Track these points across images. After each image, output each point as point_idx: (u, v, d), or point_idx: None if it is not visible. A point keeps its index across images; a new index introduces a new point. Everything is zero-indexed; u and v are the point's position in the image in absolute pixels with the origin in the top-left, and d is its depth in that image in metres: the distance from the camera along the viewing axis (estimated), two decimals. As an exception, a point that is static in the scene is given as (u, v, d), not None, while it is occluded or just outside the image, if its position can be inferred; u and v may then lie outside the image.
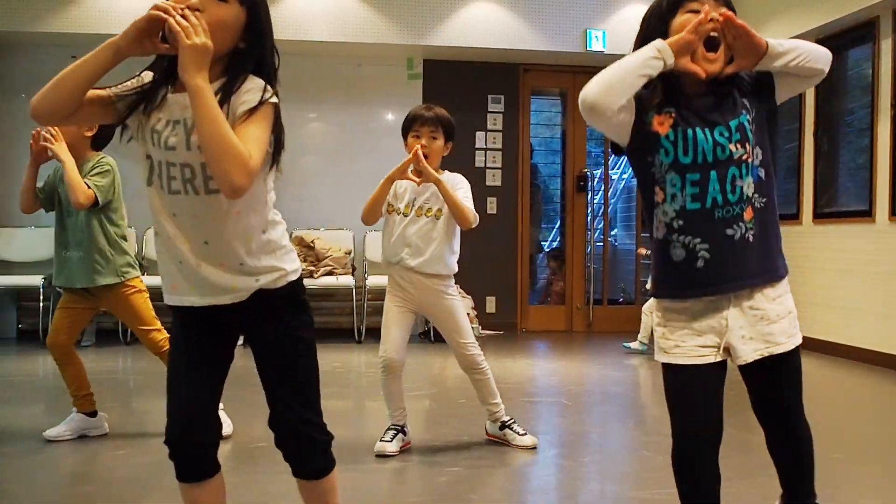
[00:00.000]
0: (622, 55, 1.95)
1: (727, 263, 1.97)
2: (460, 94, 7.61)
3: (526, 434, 3.67)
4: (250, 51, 1.84)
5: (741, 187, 1.96)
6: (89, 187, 3.52)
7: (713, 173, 1.95)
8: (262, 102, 1.77)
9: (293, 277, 1.95)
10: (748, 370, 2.03)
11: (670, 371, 2.03)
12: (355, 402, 5.06)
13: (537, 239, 8.90)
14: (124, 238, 3.75)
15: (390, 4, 7.27)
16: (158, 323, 3.73)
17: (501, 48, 7.46)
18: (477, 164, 7.84)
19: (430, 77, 7.84)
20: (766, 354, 1.98)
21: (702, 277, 1.98)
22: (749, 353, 1.97)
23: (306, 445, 1.98)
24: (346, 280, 7.19)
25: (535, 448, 3.62)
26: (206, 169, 1.76)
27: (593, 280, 8.31)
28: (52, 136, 3.46)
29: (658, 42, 1.93)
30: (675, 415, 2.02)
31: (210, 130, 1.67)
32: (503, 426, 3.69)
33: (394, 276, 3.59)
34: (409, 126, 3.54)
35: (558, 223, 9.02)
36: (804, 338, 2.09)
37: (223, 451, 2.12)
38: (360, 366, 6.10)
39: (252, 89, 1.78)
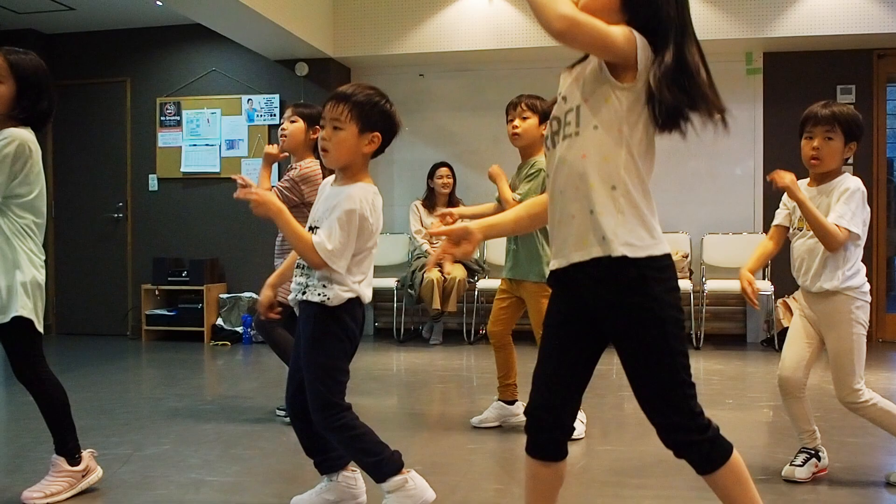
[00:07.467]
0: None
1: None
2: (805, 86, 7.12)
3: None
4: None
5: None
6: None
7: None
8: None
9: None
10: None
11: None
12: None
13: (894, 240, 8.09)
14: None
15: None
16: None
17: (852, 34, 6.86)
18: (824, 161, 7.28)
19: (770, 71, 7.43)
20: None
21: None
22: None
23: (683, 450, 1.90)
24: (684, 284, 7.03)
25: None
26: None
27: (965, 285, 7.43)
28: None
29: None
30: None
31: None
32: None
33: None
34: (802, 127, 3.11)
35: (918, 223, 8.17)
36: None
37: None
38: (699, 372, 5.93)
39: None
